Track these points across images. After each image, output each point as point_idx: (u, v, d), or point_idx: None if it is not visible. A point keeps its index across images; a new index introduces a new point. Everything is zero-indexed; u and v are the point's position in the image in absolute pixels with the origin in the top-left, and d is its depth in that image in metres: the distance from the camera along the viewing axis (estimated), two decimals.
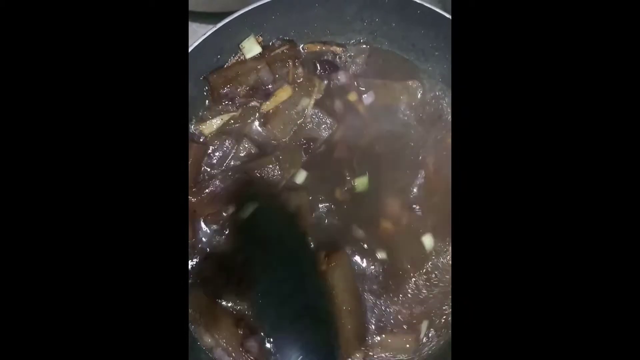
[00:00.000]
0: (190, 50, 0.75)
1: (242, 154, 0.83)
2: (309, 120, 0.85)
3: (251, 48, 0.83)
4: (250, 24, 0.81)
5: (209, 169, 0.83)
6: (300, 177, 0.83)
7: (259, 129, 0.85)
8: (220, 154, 0.83)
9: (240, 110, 0.84)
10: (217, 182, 0.80)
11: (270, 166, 0.80)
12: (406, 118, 0.88)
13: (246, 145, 0.83)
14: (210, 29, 0.77)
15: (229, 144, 0.83)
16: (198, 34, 1.01)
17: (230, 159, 0.83)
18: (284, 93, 0.84)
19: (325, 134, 0.85)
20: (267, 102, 0.84)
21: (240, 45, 0.84)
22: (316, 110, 0.85)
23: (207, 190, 0.79)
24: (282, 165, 0.81)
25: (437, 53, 0.88)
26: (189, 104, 0.80)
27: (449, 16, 0.79)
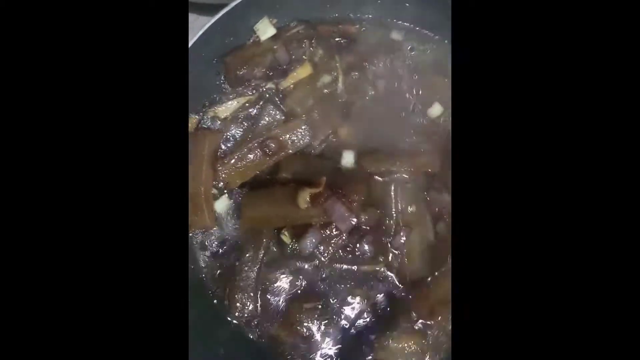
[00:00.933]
0: (201, 33, 0.74)
1: (266, 120, 0.80)
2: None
3: (265, 30, 0.81)
4: (262, 5, 0.79)
5: (229, 145, 0.81)
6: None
7: (276, 110, 0.81)
8: (240, 131, 0.81)
9: (257, 94, 0.82)
10: (244, 151, 0.77)
11: (300, 129, 0.77)
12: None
13: (271, 112, 0.80)
14: (221, 12, 0.75)
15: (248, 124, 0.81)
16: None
17: (254, 128, 0.81)
18: (303, 70, 0.81)
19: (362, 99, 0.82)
20: (286, 80, 0.81)
21: (254, 28, 0.81)
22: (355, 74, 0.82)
23: (232, 160, 0.77)
24: (315, 128, 0.78)
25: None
26: (201, 87, 0.79)
27: None
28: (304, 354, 0.75)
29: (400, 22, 0.88)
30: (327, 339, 0.75)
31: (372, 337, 0.75)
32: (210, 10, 0.99)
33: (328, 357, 0.75)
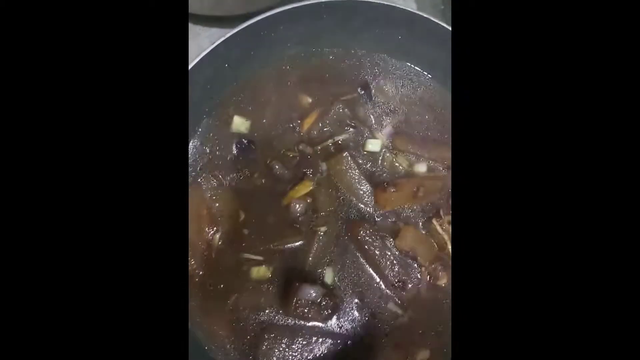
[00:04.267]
0: (197, 60, 0.75)
1: None
2: None
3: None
4: (257, 34, 0.81)
5: None
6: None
7: None
8: None
9: None
10: None
11: None
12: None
13: None
14: (216, 41, 0.76)
15: None
16: (201, 36, 1.02)
17: None
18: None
19: None
20: None
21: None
22: None
23: None
24: None
25: (444, 67, 0.88)
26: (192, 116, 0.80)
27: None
28: None
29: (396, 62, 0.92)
30: None
31: None
32: (200, 20, 1.00)
33: None
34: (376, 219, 0.84)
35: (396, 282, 0.81)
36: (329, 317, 0.80)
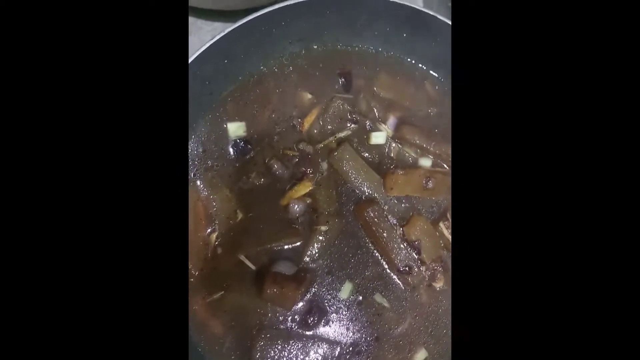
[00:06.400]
0: (198, 54, 0.73)
1: None
2: None
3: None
4: (259, 30, 0.79)
5: None
6: None
7: None
8: None
9: None
10: None
11: None
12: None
13: None
14: (217, 35, 0.74)
15: None
16: (203, 30, 1.01)
17: None
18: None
19: None
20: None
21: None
22: None
23: None
24: None
25: (447, 64, 0.86)
26: (190, 112, 0.78)
27: None
28: None
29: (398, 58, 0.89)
30: None
31: None
32: (203, 14, 0.99)
33: None
34: (384, 205, 0.83)
35: (402, 267, 0.80)
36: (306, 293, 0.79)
